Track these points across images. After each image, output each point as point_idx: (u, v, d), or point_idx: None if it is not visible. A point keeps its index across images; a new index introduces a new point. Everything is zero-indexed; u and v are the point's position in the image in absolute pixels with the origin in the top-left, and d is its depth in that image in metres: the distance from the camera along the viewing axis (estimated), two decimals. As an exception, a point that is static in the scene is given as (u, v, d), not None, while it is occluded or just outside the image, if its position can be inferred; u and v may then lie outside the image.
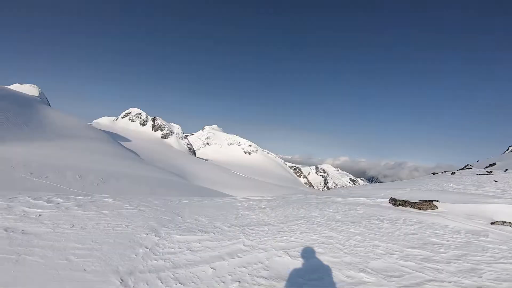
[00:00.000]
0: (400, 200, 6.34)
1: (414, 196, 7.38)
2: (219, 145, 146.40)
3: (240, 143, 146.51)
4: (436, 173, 18.11)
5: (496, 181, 9.94)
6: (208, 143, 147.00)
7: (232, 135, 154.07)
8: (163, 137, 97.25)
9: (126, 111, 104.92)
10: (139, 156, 47.30)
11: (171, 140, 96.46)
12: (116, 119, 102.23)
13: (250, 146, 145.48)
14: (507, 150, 45.56)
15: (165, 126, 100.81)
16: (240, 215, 5.76)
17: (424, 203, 5.95)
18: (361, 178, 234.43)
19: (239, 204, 7.06)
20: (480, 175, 11.92)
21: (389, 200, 6.61)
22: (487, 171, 13.21)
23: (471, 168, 17.26)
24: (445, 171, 17.91)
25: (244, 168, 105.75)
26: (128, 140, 69.70)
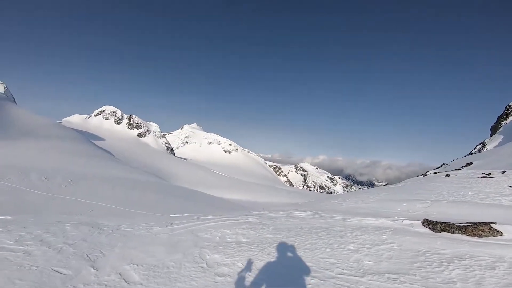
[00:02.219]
0: (442, 223, 4.57)
1: (442, 211, 6.04)
2: (199, 144, 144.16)
3: (220, 142, 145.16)
4: (426, 175, 16.70)
5: (511, 187, 8.81)
6: (187, 142, 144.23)
7: (212, 134, 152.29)
8: (140, 136, 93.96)
9: (100, 109, 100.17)
10: (113, 155, 45.30)
11: (148, 139, 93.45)
12: (89, 117, 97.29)
13: (230, 145, 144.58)
14: (475, 149, 48.73)
15: (142, 125, 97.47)
16: (204, 264, 3.67)
17: (481, 227, 4.22)
18: (339, 176, 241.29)
19: (208, 235, 4.87)
20: (482, 178, 10.80)
21: (424, 223, 4.83)
22: (487, 174, 11.82)
23: (460, 169, 16.30)
24: (435, 172, 16.70)
25: (224, 167, 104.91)
26: (101, 139, 66.58)
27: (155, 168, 49.49)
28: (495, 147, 42.67)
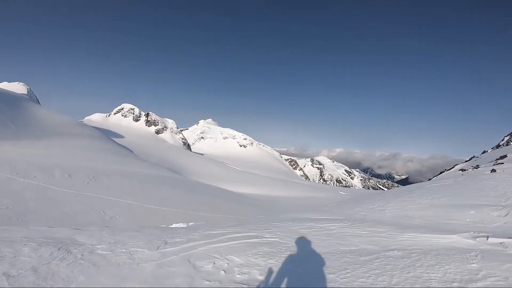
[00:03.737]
0: None
1: None
2: (214, 139, 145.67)
3: (235, 137, 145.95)
4: (465, 170, 14.97)
5: None
6: (203, 137, 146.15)
7: (227, 128, 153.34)
8: (157, 132, 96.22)
9: (119, 107, 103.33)
10: (132, 152, 46.64)
11: (165, 135, 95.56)
12: (109, 116, 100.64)
13: (246, 139, 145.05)
14: (502, 140, 46.04)
15: (159, 121, 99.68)
16: None
17: None
18: (356, 169, 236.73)
19: (209, 267, 3.61)
20: None
21: None
22: None
23: (503, 163, 13.91)
24: (476, 167, 14.66)
25: (240, 162, 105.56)
26: (121, 136, 68.77)
27: (173, 164, 50.55)
28: (526, 137, 40.07)
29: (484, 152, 44.50)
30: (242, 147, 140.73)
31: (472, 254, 3.29)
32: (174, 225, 6.08)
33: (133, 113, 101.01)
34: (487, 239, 3.76)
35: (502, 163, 13.98)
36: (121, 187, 17.86)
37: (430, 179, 32.36)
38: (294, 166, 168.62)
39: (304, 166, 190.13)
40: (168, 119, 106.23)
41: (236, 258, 3.69)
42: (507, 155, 24.60)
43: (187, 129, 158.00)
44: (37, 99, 68.36)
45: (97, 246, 4.10)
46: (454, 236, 4.00)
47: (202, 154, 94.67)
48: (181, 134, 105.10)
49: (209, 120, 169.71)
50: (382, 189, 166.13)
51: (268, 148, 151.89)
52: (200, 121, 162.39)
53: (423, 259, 3.29)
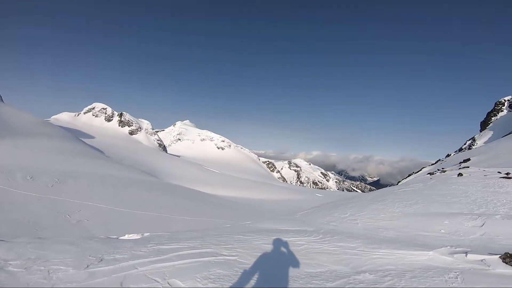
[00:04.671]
0: None
1: (508, 232, 4.63)
2: (191, 140, 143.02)
3: (213, 139, 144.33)
4: (433, 173, 15.26)
5: None
6: (180, 139, 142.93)
7: (205, 130, 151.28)
8: (131, 133, 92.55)
9: (89, 106, 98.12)
10: (103, 153, 44.45)
11: (139, 136, 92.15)
12: (78, 115, 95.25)
13: (223, 141, 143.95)
14: (465, 144, 49.68)
15: (133, 122, 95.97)
16: None
17: None
18: (331, 171, 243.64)
19: None
20: (505, 179, 9.52)
21: (506, 259, 3.28)
22: (505, 174, 10.48)
23: (468, 167, 14.64)
24: (444, 170, 15.17)
25: (218, 164, 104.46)
26: (91, 137, 65.29)
27: (147, 166, 48.85)
28: (485, 142, 43.52)
29: (448, 155, 47.74)
30: (220, 149, 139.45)
31: (452, 276, 2.95)
32: (126, 236, 5.26)
33: (105, 113, 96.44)
34: (466, 255, 3.46)
35: (468, 167, 14.97)
36: (91, 190, 16.90)
37: (399, 182, 34.03)
38: (271, 169, 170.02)
39: (282, 169, 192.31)
40: (143, 120, 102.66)
41: (180, 283, 3.05)
42: (470, 158, 26.54)
43: (163, 130, 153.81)
44: (0, 96, 63.13)
45: (11, 262, 3.32)
46: (430, 252, 3.70)
47: (178, 156, 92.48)
48: (156, 135, 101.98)
49: (187, 121, 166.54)
50: (356, 191, 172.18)
51: (246, 151, 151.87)
52: (177, 123, 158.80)
53: (397, 283, 2.91)
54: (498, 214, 5.73)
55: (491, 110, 52.98)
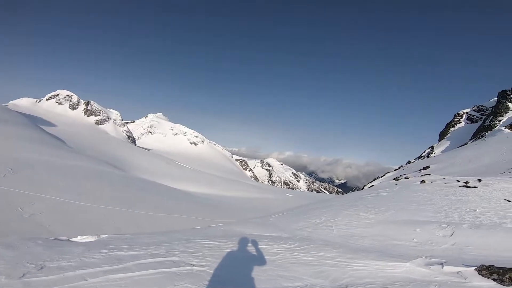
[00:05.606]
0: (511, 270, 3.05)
1: (477, 243, 4.80)
2: (163, 134, 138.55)
3: (186, 133, 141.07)
4: (398, 179, 15.72)
5: (509, 201, 7.91)
6: (151, 132, 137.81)
7: (178, 124, 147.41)
8: (98, 123, 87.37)
9: (53, 93, 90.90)
10: (65, 143, 41.40)
11: (107, 126, 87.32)
12: (40, 101, 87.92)
13: (197, 137, 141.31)
14: (424, 152, 53.34)
15: (101, 111, 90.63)
16: None
17: None
18: (302, 172, 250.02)
19: None
20: (465, 187, 10.00)
21: (482, 271, 3.25)
22: (464, 182, 10.94)
23: (429, 174, 15.33)
24: (407, 177, 15.68)
25: (189, 160, 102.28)
26: (52, 125, 60.61)
27: (113, 158, 46.33)
28: (442, 151, 47.09)
29: (408, 162, 50.99)
30: (193, 144, 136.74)
31: None
32: (78, 238, 4.54)
33: (70, 101, 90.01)
34: (442, 267, 3.43)
35: (429, 174, 16.00)
36: (49, 181, 15.57)
37: (365, 185, 35.71)
38: (244, 167, 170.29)
39: (254, 167, 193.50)
40: (112, 110, 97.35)
41: None
42: (430, 166, 28.54)
43: (134, 122, 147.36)
44: None
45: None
46: (407, 264, 3.66)
47: (148, 149, 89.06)
48: (125, 127, 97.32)
49: (159, 114, 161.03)
50: (324, 192, 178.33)
51: (219, 147, 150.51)
52: (149, 115, 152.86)
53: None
54: (465, 223, 5.94)
55: (450, 121, 57.44)
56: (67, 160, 23.58)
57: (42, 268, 2.89)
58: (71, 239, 4.45)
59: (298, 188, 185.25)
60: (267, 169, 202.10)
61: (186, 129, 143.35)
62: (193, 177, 51.67)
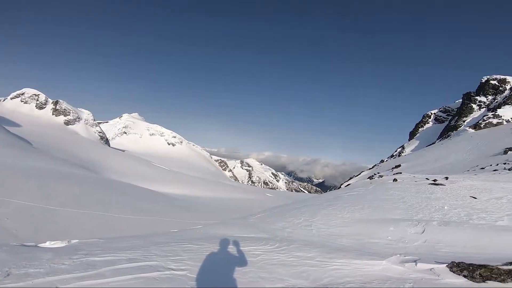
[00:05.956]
0: (485, 268, 3.10)
1: (446, 239, 4.97)
2: (139, 135, 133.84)
3: (164, 134, 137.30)
4: (372, 177, 16.23)
5: (475, 198, 8.18)
6: (125, 133, 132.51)
7: (155, 125, 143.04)
8: (67, 123, 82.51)
9: (18, 92, 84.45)
10: (31, 144, 38.72)
11: (77, 127, 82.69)
12: (4, 100, 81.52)
13: (175, 137, 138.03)
14: (396, 151, 55.89)
15: (71, 111, 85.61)
16: None
17: None
18: (282, 172, 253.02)
19: None
20: (433, 185, 10.35)
21: (454, 268, 3.29)
22: (433, 180, 11.41)
23: (401, 173, 15.89)
24: (380, 176, 16.14)
25: (167, 161, 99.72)
26: (17, 125, 56.41)
27: (85, 160, 44.04)
28: (412, 150, 49.61)
29: (382, 161, 53.23)
30: (171, 145, 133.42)
31: (407, 287, 3.02)
32: (47, 244, 4.26)
33: (37, 100, 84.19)
34: (416, 264, 3.56)
35: (400, 173, 16.66)
36: (14, 184, 14.52)
37: (342, 184, 36.79)
38: (223, 167, 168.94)
39: (234, 168, 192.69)
40: (83, 110, 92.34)
41: None
42: (401, 164, 29.94)
43: (107, 122, 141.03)
44: None
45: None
46: (383, 262, 3.76)
47: (123, 151, 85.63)
48: (98, 127, 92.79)
49: (135, 114, 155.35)
50: (303, 192, 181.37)
51: (198, 148, 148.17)
52: (123, 115, 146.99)
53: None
54: (435, 221, 6.13)
55: (419, 121, 60.69)
56: (34, 162, 22.07)
57: (8, 275, 2.68)
58: (39, 245, 4.22)
59: (278, 188, 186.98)
60: (246, 169, 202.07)
61: (163, 130, 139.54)
62: (171, 178, 50.41)
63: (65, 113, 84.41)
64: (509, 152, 20.63)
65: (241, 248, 4.50)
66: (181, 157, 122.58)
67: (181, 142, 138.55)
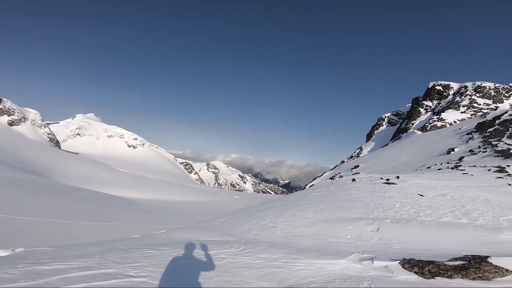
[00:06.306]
0: (429, 263, 3.32)
1: (398, 237, 5.21)
2: (95, 136, 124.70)
3: (123, 136, 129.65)
4: (333, 178, 16.68)
5: (422, 195, 8.65)
6: (79, 134, 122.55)
7: (114, 126, 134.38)
8: (11, 123, 73.92)
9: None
10: (-36, 146, 33.99)
11: (23, 128, 74.45)
12: None
13: (136, 139, 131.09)
14: (355, 152, 59.34)
15: (15, 111, 76.84)
16: None
17: (486, 267, 3.16)
18: (248, 174, 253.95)
19: None
20: (386, 184, 10.98)
21: (405, 265, 3.48)
22: (386, 179, 12.20)
23: (359, 173, 16.77)
24: (341, 176, 16.77)
25: (128, 164, 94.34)
26: None
27: (32, 163, 39.79)
28: (369, 151, 53.10)
29: (342, 161, 56.17)
30: (131, 147, 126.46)
31: (366, 285, 3.10)
32: None
33: (-27, 96, 74.25)
34: (373, 262, 3.71)
35: (358, 173, 17.73)
36: None
37: (306, 185, 38.04)
38: (189, 170, 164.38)
39: (200, 170, 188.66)
40: (29, 109, 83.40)
41: None
42: (359, 165, 31.84)
43: (58, 123, 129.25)
44: None
45: None
46: (343, 261, 3.90)
47: (76, 153, 79.12)
48: (47, 128, 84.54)
49: (90, 114, 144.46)
50: (270, 193, 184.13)
51: (162, 150, 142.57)
52: (77, 115, 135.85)
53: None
54: (388, 218, 6.41)
55: (375, 124, 65.21)
56: (-33, 167, 19.41)
57: None
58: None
59: (245, 190, 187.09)
60: (213, 172, 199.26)
61: (123, 131, 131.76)
62: (131, 182, 47.74)
63: (8, 112, 75.44)
64: (452, 152, 23.10)
65: (206, 252, 4.41)
66: (143, 160, 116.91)
67: (143, 144, 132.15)
